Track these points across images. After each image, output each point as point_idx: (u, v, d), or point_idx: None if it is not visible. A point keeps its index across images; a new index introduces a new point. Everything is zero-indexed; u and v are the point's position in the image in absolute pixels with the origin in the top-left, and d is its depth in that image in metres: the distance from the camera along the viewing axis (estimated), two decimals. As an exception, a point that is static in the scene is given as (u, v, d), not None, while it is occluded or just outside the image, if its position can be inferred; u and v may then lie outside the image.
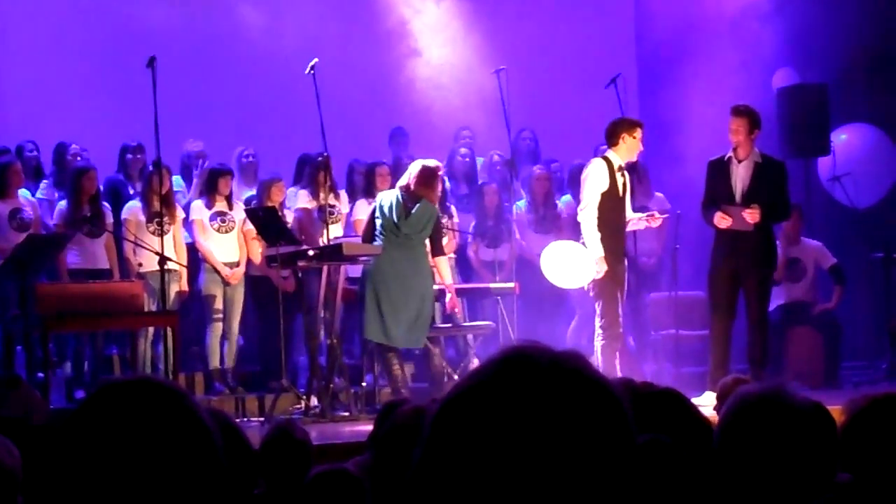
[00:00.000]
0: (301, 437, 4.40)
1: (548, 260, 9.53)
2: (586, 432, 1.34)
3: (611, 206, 9.17)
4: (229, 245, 10.40)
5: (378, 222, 9.40)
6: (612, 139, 9.28)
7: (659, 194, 11.57)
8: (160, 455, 1.52)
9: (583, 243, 9.26)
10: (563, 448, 1.33)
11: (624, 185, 9.26)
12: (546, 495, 1.32)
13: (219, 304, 10.33)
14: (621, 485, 1.35)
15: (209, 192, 10.39)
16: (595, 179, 9.17)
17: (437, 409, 1.38)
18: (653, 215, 9.58)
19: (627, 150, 9.26)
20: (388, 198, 9.46)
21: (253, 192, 10.66)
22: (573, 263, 9.33)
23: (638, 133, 9.26)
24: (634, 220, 9.48)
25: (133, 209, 10.15)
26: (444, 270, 9.68)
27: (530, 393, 1.35)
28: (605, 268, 9.11)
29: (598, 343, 9.16)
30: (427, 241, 9.43)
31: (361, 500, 3.71)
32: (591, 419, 1.35)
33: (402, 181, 9.51)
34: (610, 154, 9.28)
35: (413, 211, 9.30)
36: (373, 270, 9.31)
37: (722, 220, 9.18)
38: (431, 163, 9.55)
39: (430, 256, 9.50)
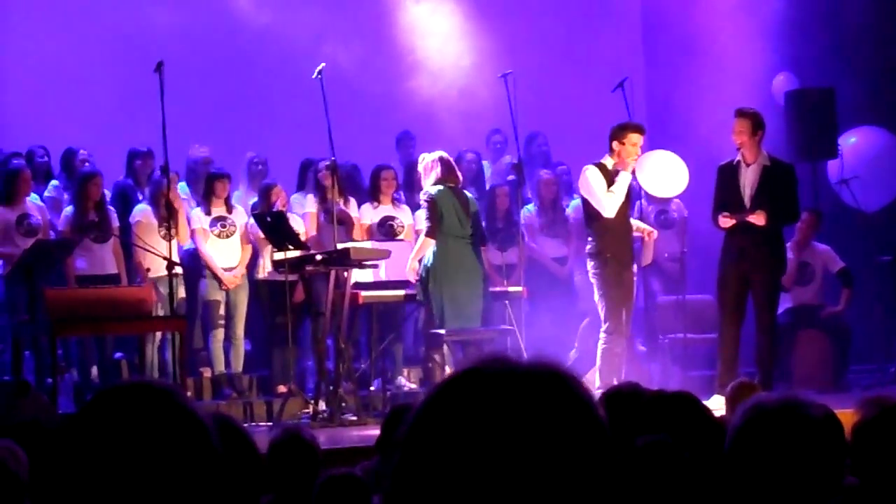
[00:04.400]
0: (309, 440, 4.38)
1: (645, 173, 9.50)
2: (554, 436, 1.36)
3: (617, 212, 9.14)
4: (230, 250, 10.40)
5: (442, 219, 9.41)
6: (609, 145, 9.29)
7: (677, 200, 11.57)
8: (157, 453, 1.58)
9: (591, 248, 9.23)
10: (531, 450, 1.34)
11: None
12: (516, 496, 1.34)
13: (221, 310, 10.33)
14: (595, 485, 1.36)
15: (206, 197, 10.39)
16: (594, 182, 9.14)
17: (410, 419, 1.41)
18: (650, 233, 9.65)
19: (618, 156, 9.20)
20: (445, 197, 9.41)
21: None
22: (669, 172, 9.49)
23: (633, 138, 9.18)
24: (634, 229, 9.48)
25: (144, 212, 10.16)
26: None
27: (493, 399, 1.37)
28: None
29: (600, 347, 9.15)
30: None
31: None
32: (559, 423, 1.36)
33: (434, 178, 9.46)
34: (605, 160, 9.27)
35: (469, 210, 9.49)
36: (438, 267, 9.32)
37: (725, 220, 9.18)
38: (435, 155, 9.58)
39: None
